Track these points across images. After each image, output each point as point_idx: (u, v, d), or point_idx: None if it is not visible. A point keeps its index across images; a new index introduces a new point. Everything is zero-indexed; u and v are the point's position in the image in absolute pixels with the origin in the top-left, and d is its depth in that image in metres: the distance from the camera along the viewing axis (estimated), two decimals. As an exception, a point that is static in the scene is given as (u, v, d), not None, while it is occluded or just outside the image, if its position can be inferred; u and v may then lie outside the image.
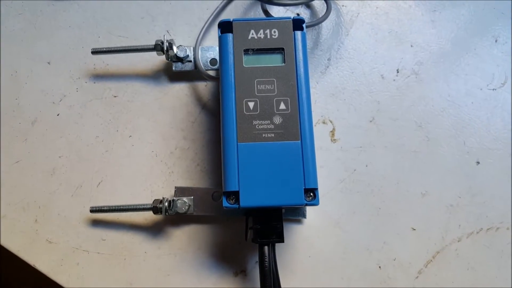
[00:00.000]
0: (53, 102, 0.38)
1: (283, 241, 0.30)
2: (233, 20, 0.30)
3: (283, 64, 0.30)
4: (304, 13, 0.39)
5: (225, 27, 0.30)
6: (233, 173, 0.28)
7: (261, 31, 0.30)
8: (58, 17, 0.40)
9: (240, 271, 0.34)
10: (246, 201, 0.28)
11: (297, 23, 0.30)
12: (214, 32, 0.38)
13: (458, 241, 0.34)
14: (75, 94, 0.38)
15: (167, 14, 0.39)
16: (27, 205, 0.35)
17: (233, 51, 0.30)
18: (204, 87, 0.38)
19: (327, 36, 0.38)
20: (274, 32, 0.30)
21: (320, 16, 0.37)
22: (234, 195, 0.28)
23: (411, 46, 0.37)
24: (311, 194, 0.28)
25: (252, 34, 0.30)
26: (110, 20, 0.39)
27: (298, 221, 0.35)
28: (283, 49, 0.30)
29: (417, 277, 0.33)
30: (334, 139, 0.36)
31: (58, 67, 0.38)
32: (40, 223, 0.35)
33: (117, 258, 0.34)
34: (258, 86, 0.29)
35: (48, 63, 0.38)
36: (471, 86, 0.37)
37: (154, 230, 0.35)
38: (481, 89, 0.37)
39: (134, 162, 0.36)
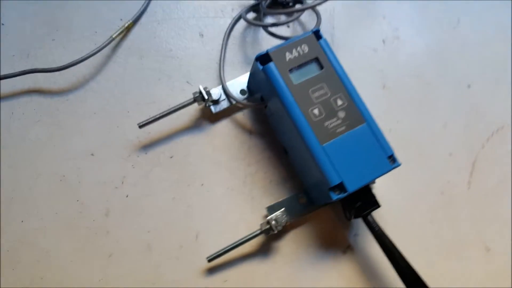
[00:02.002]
0: (116, 187, 0.39)
1: (379, 206, 0.36)
2: (268, 51, 0.35)
3: (323, 69, 0.35)
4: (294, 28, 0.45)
5: (264, 58, 0.35)
6: (330, 170, 0.33)
7: (294, 50, 0.35)
8: (78, 109, 0.40)
9: (347, 248, 0.39)
10: (351, 186, 0.33)
11: (317, 34, 0.36)
12: (228, 67, 0.42)
13: (483, 148, 0.43)
14: (133, 171, 0.39)
15: (179, 67, 0.42)
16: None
17: (281, 75, 0.34)
18: (242, 116, 0.42)
19: (319, 34, 0.44)
20: (304, 47, 0.35)
21: (310, 23, 0.43)
22: (338, 187, 0.33)
23: (384, 17, 0.45)
24: (392, 159, 0.35)
25: (288, 55, 0.35)
26: (131, 93, 0.41)
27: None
28: (317, 58, 0.35)
29: (469, 188, 0.42)
30: (363, 113, 0.43)
31: (103, 155, 0.39)
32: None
33: (246, 289, 0.37)
34: (313, 94, 0.35)
35: (92, 154, 0.39)
36: (438, 31, 0.46)
37: (263, 251, 0.39)
38: (446, 32, 0.46)
39: (217, 205, 0.39)
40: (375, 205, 0.36)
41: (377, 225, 0.36)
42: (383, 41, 0.45)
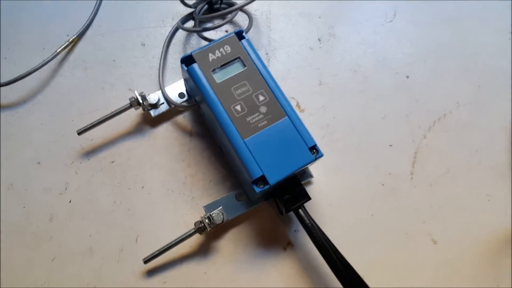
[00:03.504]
0: (60, 193, 0.40)
1: (310, 198, 0.37)
2: (192, 53, 0.36)
3: (245, 67, 0.36)
4: (228, 28, 0.46)
5: (188, 60, 0.36)
6: (252, 163, 0.34)
7: (216, 51, 0.37)
8: (26, 121, 0.42)
9: (287, 244, 0.40)
10: (272, 178, 0.34)
11: (239, 35, 0.37)
12: (168, 72, 0.44)
13: (424, 138, 0.43)
14: (76, 177, 0.41)
15: (122, 76, 0.44)
16: (84, 290, 0.37)
17: (204, 75, 0.36)
18: (183, 118, 0.43)
19: (257, 37, 0.46)
20: (227, 47, 0.37)
21: (246, 25, 0.44)
22: (261, 180, 0.34)
23: (319, 17, 0.47)
24: (314, 150, 0.35)
25: (211, 56, 0.36)
26: (75, 103, 0.43)
27: (309, 183, 0.41)
28: (239, 57, 0.37)
29: (411, 178, 0.42)
30: (302, 110, 0.44)
31: (49, 163, 0.41)
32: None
33: (185, 290, 0.38)
34: (236, 91, 0.36)
35: (38, 163, 0.41)
36: (374, 26, 0.47)
37: (203, 251, 0.39)
38: (382, 25, 0.47)
39: (157, 206, 0.40)
40: (305, 197, 0.37)
41: (309, 219, 0.37)
42: (319, 40, 0.46)
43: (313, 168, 0.41)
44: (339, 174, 0.42)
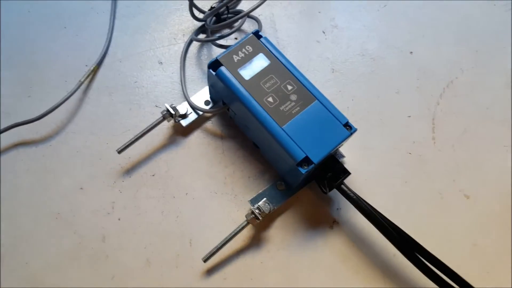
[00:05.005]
0: (108, 213, 0.41)
1: (350, 173, 0.39)
2: (217, 57, 0.39)
3: (269, 62, 0.39)
4: (237, 36, 0.49)
5: (215, 64, 0.39)
6: (294, 147, 0.36)
7: (239, 52, 0.39)
8: (61, 152, 0.44)
9: (333, 223, 0.41)
10: (316, 157, 0.36)
11: (257, 34, 0.40)
12: (188, 84, 0.46)
13: (438, 104, 0.46)
14: (121, 195, 0.42)
15: (146, 95, 0.46)
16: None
17: (232, 75, 0.38)
18: (211, 124, 0.45)
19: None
20: (248, 47, 0.39)
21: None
22: (305, 161, 0.36)
23: (319, 12, 0.50)
24: (348, 126, 0.38)
25: (236, 57, 0.39)
26: (106, 127, 0.44)
27: (342, 164, 0.43)
28: (262, 53, 0.39)
29: (434, 143, 0.45)
30: (321, 98, 0.46)
31: (92, 186, 0.42)
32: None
33: (245, 283, 0.39)
34: (265, 85, 0.38)
35: (81, 188, 0.42)
36: (371, 12, 0.50)
37: (255, 243, 0.40)
38: (378, 11, 0.50)
39: (203, 209, 0.42)
40: (346, 172, 0.39)
41: (353, 192, 0.39)
42: (324, 32, 0.49)
43: (343, 149, 0.43)
44: (368, 150, 0.44)
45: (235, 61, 0.39)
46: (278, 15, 0.50)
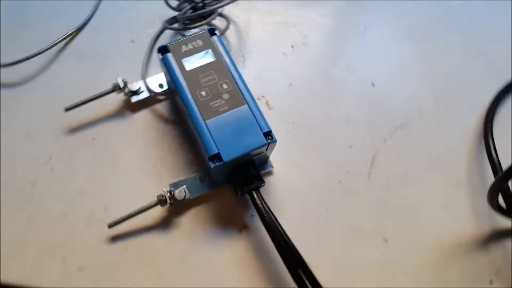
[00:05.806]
0: (44, 163, 0.44)
1: (264, 182, 0.40)
2: (167, 44, 0.41)
3: (213, 60, 0.41)
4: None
5: (164, 49, 0.41)
6: (210, 141, 0.37)
7: (189, 44, 0.41)
8: (21, 99, 0.47)
9: (243, 227, 0.42)
10: (227, 156, 0.37)
11: (212, 31, 0.42)
12: (152, 67, 0.49)
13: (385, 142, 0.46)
14: (60, 149, 0.45)
15: (111, 67, 0.49)
16: (52, 247, 0.41)
17: (176, 63, 0.40)
18: (160, 107, 0.47)
19: (235, 41, 0.50)
20: (199, 41, 0.41)
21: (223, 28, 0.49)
22: (216, 157, 0.37)
23: (294, 27, 0.51)
24: (269, 136, 0.38)
25: (184, 47, 0.41)
26: (65, 88, 0.48)
27: (270, 174, 0.44)
28: (209, 50, 0.41)
29: (368, 178, 0.44)
30: (271, 107, 0.47)
31: (38, 135, 0.46)
32: (67, 259, 0.41)
33: (144, 258, 0.41)
34: (203, 79, 0.40)
35: (28, 134, 0.46)
36: (346, 38, 0.51)
37: (164, 225, 0.42)
38: (353, 37, 0.51)
39: (128, 182, 0.44)
40: (260, 181, 0.40)
41: (262, 201, 0.39)
42: (292, 46, 0.50)
43: (275, 160, 0.44)
44: (299, 168, 0.45)
45: (183, 51, 0.41)
46: (254, 21, 0.51)
